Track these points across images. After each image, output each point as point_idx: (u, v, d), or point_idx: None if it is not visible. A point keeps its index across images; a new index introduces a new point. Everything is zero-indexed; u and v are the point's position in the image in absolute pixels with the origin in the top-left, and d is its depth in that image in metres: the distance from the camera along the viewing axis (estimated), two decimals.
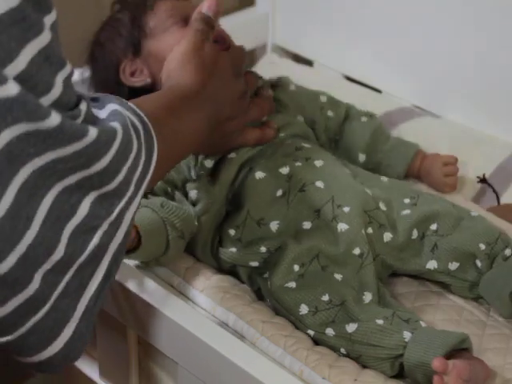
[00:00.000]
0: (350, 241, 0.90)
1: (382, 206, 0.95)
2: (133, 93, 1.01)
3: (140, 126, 0.70)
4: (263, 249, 0.91)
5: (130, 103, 0.72)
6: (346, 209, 0.91)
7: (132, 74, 1.05)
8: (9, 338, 0.61)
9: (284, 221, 0.92)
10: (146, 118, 0.71)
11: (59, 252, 0.60)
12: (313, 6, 1.41)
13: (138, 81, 1.05)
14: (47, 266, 0.60)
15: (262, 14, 1.47)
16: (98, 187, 0.62)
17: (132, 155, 0.66)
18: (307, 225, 0.92)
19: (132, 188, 0.67)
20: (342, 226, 0.90)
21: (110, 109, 0.68)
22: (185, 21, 1.04)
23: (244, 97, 0.95)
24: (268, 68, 1.41)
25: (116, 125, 0.65)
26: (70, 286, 0.63)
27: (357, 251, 0.90)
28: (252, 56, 1.51)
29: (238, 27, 1.44)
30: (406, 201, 0.97)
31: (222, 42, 0.99)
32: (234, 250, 0.92)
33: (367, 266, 0.89)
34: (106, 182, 0.63)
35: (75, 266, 0.63)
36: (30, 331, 0.62)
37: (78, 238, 0.62)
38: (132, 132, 0.67)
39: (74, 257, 0.62)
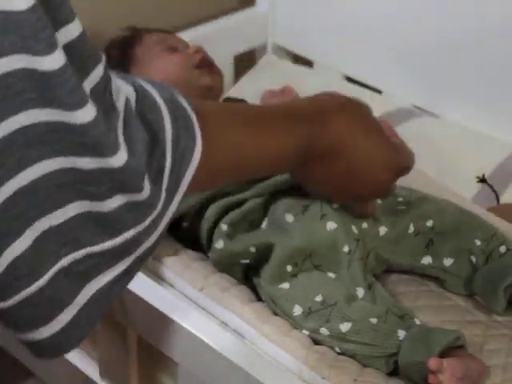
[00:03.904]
0: (340, 239, 0.89)
1: (377, 200, 0.95)
2: None
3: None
4: (252, 249, 0.90)
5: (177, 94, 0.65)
6: (335, 205, 0.91)
7: None
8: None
9: (272, 216, 0.92)
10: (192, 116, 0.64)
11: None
12: (313, 6, 1.41)
13: None
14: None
15: (262, 13, 1.47)
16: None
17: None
18: (289, 218, 0.91)
19: (163, 195, 0.60)
20: (330, 226, 0.90)
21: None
22: (172, 49, 1.13)
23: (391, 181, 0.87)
24: (268, 68, 1.41)
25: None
26: (73, 267, 0.56)
27: (346, 249, 0.89)
28: (252, 56, 1.51)
29: (238, 27, 1.45)
30: (401, 198, 0.97)
31: (207, 67, 1.12)
32: (221, 243, 0.91)
33: (355, 261, 0.89)
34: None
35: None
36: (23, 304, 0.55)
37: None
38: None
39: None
